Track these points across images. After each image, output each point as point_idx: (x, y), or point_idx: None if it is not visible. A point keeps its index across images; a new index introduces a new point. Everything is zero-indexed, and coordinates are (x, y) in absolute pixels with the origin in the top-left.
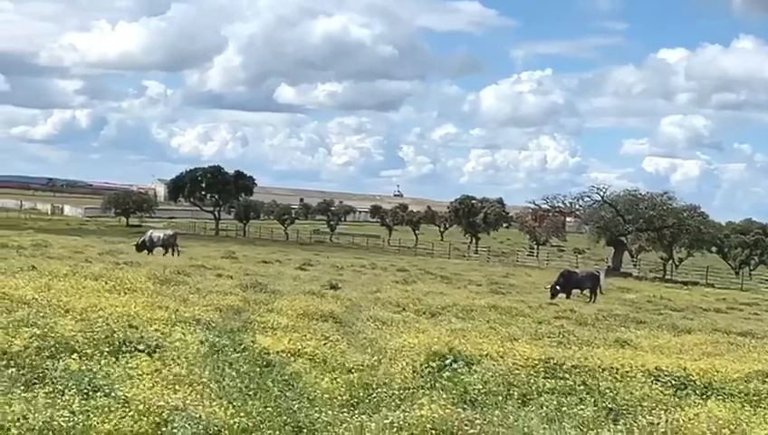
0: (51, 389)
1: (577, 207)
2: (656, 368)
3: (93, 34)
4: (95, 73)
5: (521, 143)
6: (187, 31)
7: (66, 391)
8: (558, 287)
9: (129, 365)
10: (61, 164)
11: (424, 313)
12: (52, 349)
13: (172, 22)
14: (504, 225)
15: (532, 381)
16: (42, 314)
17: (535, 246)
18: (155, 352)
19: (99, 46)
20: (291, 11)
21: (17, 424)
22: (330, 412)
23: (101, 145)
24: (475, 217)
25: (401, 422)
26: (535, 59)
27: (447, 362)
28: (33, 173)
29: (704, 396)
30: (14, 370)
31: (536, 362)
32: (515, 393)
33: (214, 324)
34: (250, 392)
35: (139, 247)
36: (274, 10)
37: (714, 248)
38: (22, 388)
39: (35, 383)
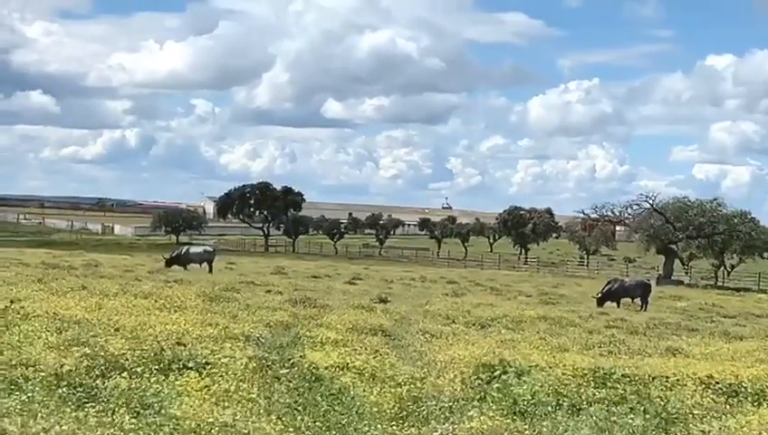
0: (101, 408)
1: (626, 215)
2: (707, 376)
3: (141, 54)
4: (144, 93)
5: (569, 153)
6: (235, 49)
7: (116, 409)
8: (605, 296)
9: (179, 383)
10: (111, 184)
11: (474, 324)
12: (103, 368)
13: (219, 40)
14: (554, 235)
15: (582, 391)
16: (92, 334)
17: (585, 256)
18: (204, 369)
19: (147, 66)
20: (337, 26)
21: None
22: (379, 426)
23: (151, 164)
24: (524, 227)
25: None
26: (582, 68)
27: (497, 373)
28: (83, 193)
29: (756, 403)
30: (64, 389)
31: (586, 371)
32: (565, 404)
33: (263, 340)
34: (299, 407)
35: (170, 262)
36: (321, 25)
37: (765, 254)
38: (72, 407)
39: (86, 402)
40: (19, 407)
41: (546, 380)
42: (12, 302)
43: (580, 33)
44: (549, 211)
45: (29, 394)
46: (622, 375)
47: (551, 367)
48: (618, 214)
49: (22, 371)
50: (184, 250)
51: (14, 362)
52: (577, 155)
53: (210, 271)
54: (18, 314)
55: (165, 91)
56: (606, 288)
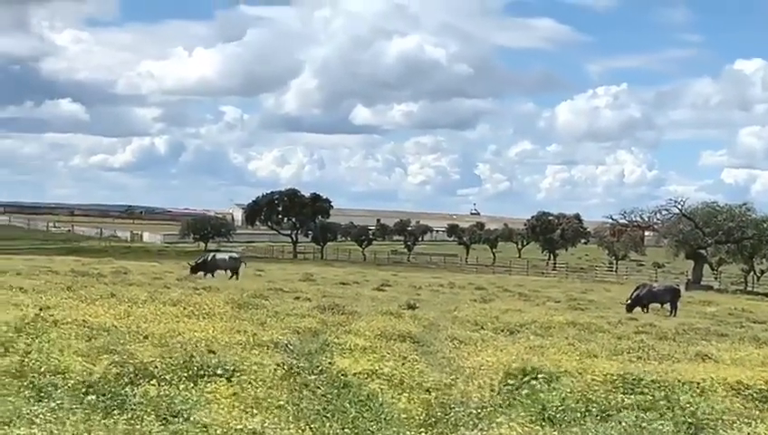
0: (130, 415)
1: (655, 220)
2: (737, 381)
3: (170, 62)
4: (172, 100)
5: (598, 158)
6: (263, 55)
7: (145, 417)
8: (634, 301)
9: (208, 390)
10: (140, 191)
11: (502, 330)
12: (132, 375)
13: (248, 47)
14: (582, 240)
15: (611, 397)
16: (121, 341)
17: (614, 261)
18: (233, 376)
19: (176, 73)
20: (365, 32)
21: None
22: (407, 432)
23: (179, 171)
24: (552, 233)
25: None
26: (610, 73)
27: (525, 379)
28: (112, 201)
29: None
30: (93, 396)
31: (615, 377)
32: (594, 410)
33: (291, 347)
34: (327, 414)
35: (195, 269)
36: (349, 31)
37: None
38: (101, 415)
39: (114, 410)
40: (48, 414)
41: (575, 386)
42: (41, 309)
43: (609, 38)
44: (577, 217)
45: (58, 401)
46: (651, 381)
47: (579, 373)
48: (646, 219)
49: (51, 378)
50: (210, 257)
51: (43, 369)
52: (605, 160)
53: (237, 278)
54: (47, 321)
55: (194, 99)
56: (635, 294)
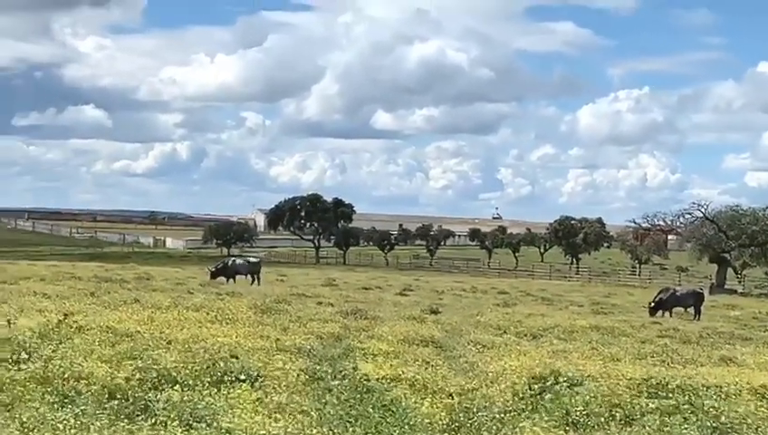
0: (154, 420)
1: (678, 224)
2: (761, 385)
3: (192, 68)
4: (194, 106)
5: (620, 162)
6: (284, 61)
7: (169, 422)
8: (658, 305)
9: (231, 395)
10: (162, 197)
11: (525, 335)
12: (155, 380)
13: (269, 53)
14: (605, 244)
15: (635, 401)
16: (145, 347)
17: (637, 265)
18: (256, 381)
19: (198, 79)
20: (386, 37)
21: None
22: None
23: (201, 177)
24: (574, 237)
25: None
26: (632, 77)
27: (549, 384)
28: (135, 207)
29: None
30: (117, 402)
31: (639, 381)
32: (618, 414)
33: (314, 352)
34: (351, 419)
35: (215, 274)
36: (370, 37)
37: None
38: (125, 420)
39: (138, 415)
40: (72, 420)
41: (599, 390)
42: (65, 316)
43: (630, 41)
44: (600, 221)
45: (82, 407)
46: (676, 385)
47: (603, 377)
48: (669, 223)
49: (75, 384)
50: (230, 262)
51: (67, 375)
52: (628, 164)
53: (257, 283)
54: (71, 327)
55: (215, 104)
56: (658, 297)
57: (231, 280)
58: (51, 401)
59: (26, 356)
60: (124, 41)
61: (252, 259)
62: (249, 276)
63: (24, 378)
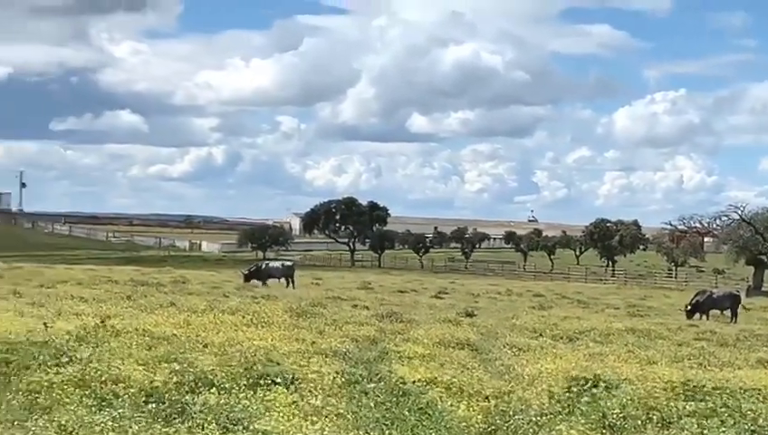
0: (191, 423)
1: (715, 226)
2: None
3: (228, 72)
4: (230, 110)
5: (656, 164)
6: (320, 65)
7: (206, 425)
8: (694, 308)
9: (267, 398)
10: (197, 201)
11: (561, 338)
12: (192, 383)
13: (304, 56)
14: (641, 247)
15: (672, 404)
16: (181, 350)
17: (673, 268)
18: (292, 384)
19: (233, 83)
20: (421, 40)
21: None
22: None
23: (237, 181)
24: (610, 240)
25: None
26: (668, 79)
27: (586, 386)
28: (171, 211)
29: None
30: (154, 405)
31: (676, 384)
32: (655, 417)
33: (350, 355)
34: (387, 422)
35: (248, 277)
36: (405, 40)
37: None
38: (162, 423)
39: (175, 418)
40: (110, 423)
41: (636, 393)
42: (103, 320)
43: (666, 43)
44: (636, 223)
45: (119, 410)
46: (713, 388)
47: (640, 380)
48: (706, 225)
49: (112, 387)
50: (263, 265)
51: (105, 378)
52: (664, 166)
53: (291, 286)
54: (108, 330)
55: (251, 108)
56: (695, 300)
57: (264, 283)
58: (89, 403)
59: (65, 359)
60: (160, 45)
61: (286, 262)
62: (284, 279)
63: (63, 381)
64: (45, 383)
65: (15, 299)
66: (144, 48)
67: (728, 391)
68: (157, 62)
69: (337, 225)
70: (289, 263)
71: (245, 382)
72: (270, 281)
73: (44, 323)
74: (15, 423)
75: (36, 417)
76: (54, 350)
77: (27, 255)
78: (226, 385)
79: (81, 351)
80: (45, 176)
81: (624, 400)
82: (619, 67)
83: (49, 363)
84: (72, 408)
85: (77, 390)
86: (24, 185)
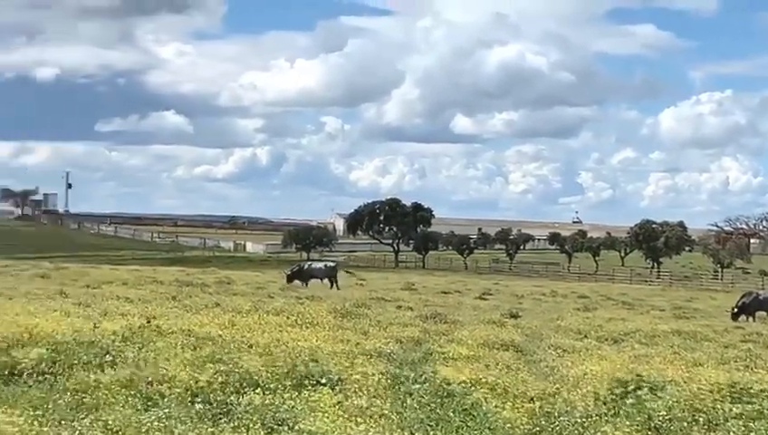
0: (236, 423)
1: (761, 228)
2: None
3: (272, 73)
4: (275, 111)
5: (702, 165)
6: (364, 66)
7: (251, 425)
8: (741, 310)
9: (312, 399)
10: (242, 202)
11: (606, 339)
12: (237, 384)
13: (349, 57)
14: (687, 248)
15: (718, 406)
16: (226, 350)
17: (719, 269)
18: (337, 385)
19: (278, 84)
20: (466, 41)
21: None
22: None
23: (281, 181)
24: (655, 241)
25: None
26: (714, 79)
27: (631, 388)
28: (215, 211)
29: None
30: (199, 405)
31: (722, 386)
32: (701, 419)
33: (394, 356)
34: (431, 423)
35: (291, 277)
36: (450, 41)
37: None
38: (208, 423)
39: (221, 418)
40: (156, 423)
41: (681, 395)
42: (149, 320)
43: (712, 43)
44: (681, 224)
45: (165, 410)
46: (759, 390)
47: (686, 382)
48: (752, 226)
49: (158, 387)
50: (306, 266)
51: (151, 378)
52: (710, 167)
53: (334, 287)
54: (154, 331)
55: (295, 109)
56: (741, 302)
57: (306, 284)
58: (135, 403)
59: (111, 360)
60: (205, 47)
61: (329, 263)
62: (327, 280)
63: (109, 381)
64: (92, 383)
65: (62, 299)
66: (189, 49)
67: None
68: (202, 64)
69: (381, 226)
70: (332, 264)
71: (290, 383)
72: (312, 282)
73: (94, 324)
74: (62, 423)
75: (83, 416)
76: (100, 350)
77: (73, 255)
78: (271, 386)
79: (127, 351)
80: (91, 177)
81: (670, 402)
82: (664, 68)
83: (95, 363)
84: (119, 408)
85: (123, 390)
86: (70, 186)
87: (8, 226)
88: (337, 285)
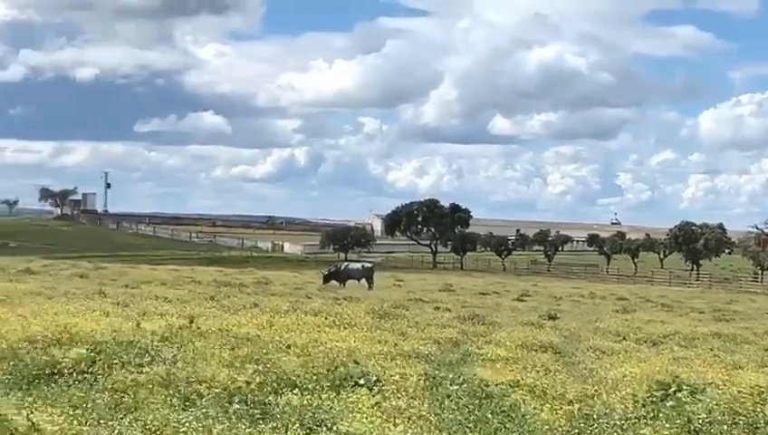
0: (274, 424)
1: None
2: None
3: (310, 74)
4: (312, 112)
5: (741, 167)
6: (402, 67)
7: (289, 425)
8: None
9: (350, 399)
10: (280, 202)
11: (645, 341)
12: (275, 384)
13: (387, 58)
14: (726, 250)
15: (758, 409)
16: (264, 350)
17: (759, 272)
18: (375, 385)
19: (316, 85)
20: (504, 42)
21: None
22: None
23: (319, 182)
24: (695, 243)
25: None
26: (754, 80)
27: (670, 391)
28: (253, 212)
29: None
30: (238, 405)
31: (763, 389)
32: (741, 423)
33: (432, 357)
34: (469, 424)
35: (328, 278)
36: (488, 42)
37: None
38: (246, 423)
39: (259, 418)
40: (194, 422)
41: (721, 398)
42: (191, 320)
43: (752, 45)
44: (721, 226)
45: (203, 410)
46: None
47: (726, 385)
48: None
49: (197, 387)
50: (343, 266)
51: (190, 378)
52: (750, 169)
53: (370, 287)
54: (193, 331)
55: (333, 110)
56: None
57: (343, 284)
58: (173, 403)
59: (149, 359)
60: (243, 47)
61: (366, 264)
62: (364, 281)
63: (148, 380)
64: (131, 383)
65: (101, 299)
66: (228, 50)
67: None
68: (240, 64)
69: (419, 226)
70: (369, 264)
71: (328, 383)
72: (349, 282)
73: (137, 323)
74: (101, 422)
75: (121, 416)
76: (139, 350)
77: (112, 255)
78: (309, 386)
79: (166, 351)
80: (130, 177)
81: (709, 405)
82: (704, 69)
83: (134, 363)
84: (157, 407)
85: (162, 389)
86: (108, 186)
87: (47, 225)
88: (371, 285)
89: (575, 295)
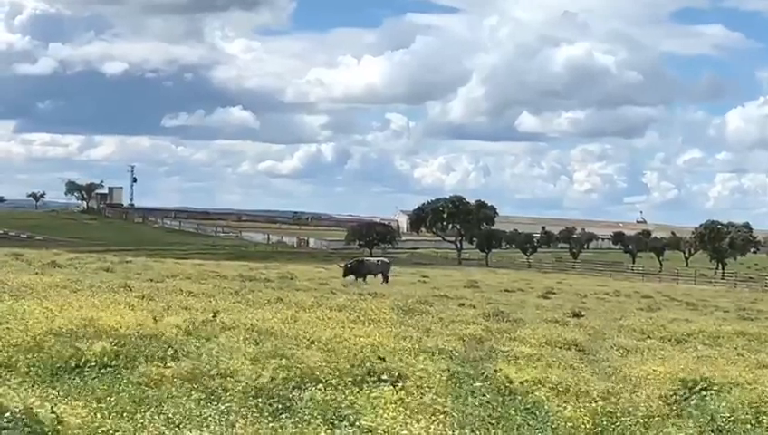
0: (297, 419)
1: None
2: None
3: (339, 70)
4: (340, 108)
5: None
6: (430, 63)
7: (312, 420)
8: None
9: (374, 395)
10: (306, 198)
11: (669, 340)
12: (298, 379)
13: (415, 55)
14: (752, 250)
15: None
16: (288, 346)
17: None
18: (398, 381)
19: (344, 81)
20: (532, 40)
21: None
22: None
23: (346, 178)
24: (720, 242)
25: None
26: None
27: (694, 389)
28: (279, 207)
29: None
30: (261, 400)
31: None
32: (765, 422)
33: (456, 354)
34: (492, 421)
35: (347, 272)
36: (516, 39)
37: None
38: (269, 418)
39: (282, 413)
40: (218, 417)
41: (745, 397)
42: (215, 314)
43: None
44: (747, 225)
45: (227, 404)
46: None
47: (750, 384)
48: None
49: (221, 381)
50: (361, 260)
51: (213, 372)
52: None
53: (385, 281)
54: (218, 325)
55: (361, 106)
56: None
57: (362, 279)
58: (197, 397)
59: (174, 353)
60: (272, 43)
61: (383, 259)
62: (380, 275)
63: (172, 375)
64: (155, 377)
65: (126, 293)
66: (256, 45)
67: None
68: (268, 60)
69: (444, 223)
70: (386, 260)
71: (352, 379)
72: (368, 278)
73: (154, 318)
74: (124, 415)
75: (145, 409)
76: (163, 344)
77: (137, 249)
78: (333, 381)
79: (190, 345)
80: (156, 171)
81: (734, 403)
82: (731, 68)
83: (158, 357)
84: (181, 401)
85: (185, 383)
86: (135, 180)
87: (74, 219)
88: (387, 281)
89: (600, 293)
